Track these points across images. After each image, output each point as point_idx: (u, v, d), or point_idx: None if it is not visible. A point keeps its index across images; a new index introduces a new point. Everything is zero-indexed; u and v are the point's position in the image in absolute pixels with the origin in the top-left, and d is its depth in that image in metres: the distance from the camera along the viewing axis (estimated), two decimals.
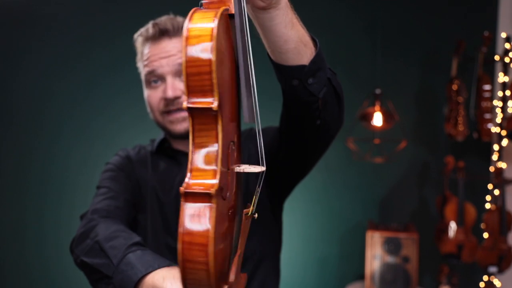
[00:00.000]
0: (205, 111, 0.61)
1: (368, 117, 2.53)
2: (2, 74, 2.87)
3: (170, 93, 1.15)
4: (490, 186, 2.62)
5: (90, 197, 1.22)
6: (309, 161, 1.10)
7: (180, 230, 0.62)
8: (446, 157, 2.62)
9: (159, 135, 1.32)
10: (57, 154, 2.87)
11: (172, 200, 1.21)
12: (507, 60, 2.58)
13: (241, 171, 0.71)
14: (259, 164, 0.73)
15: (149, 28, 1.21)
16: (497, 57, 2.63)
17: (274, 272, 1.29)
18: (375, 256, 2.60)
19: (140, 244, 0.92)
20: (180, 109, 1.17)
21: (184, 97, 0.65)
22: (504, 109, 2.59)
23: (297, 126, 0.97)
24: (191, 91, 0.62)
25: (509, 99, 2.58)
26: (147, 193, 1.24)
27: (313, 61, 0.83)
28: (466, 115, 2.61)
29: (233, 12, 0.67)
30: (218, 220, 0.61)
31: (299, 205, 2.85)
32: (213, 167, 0.63)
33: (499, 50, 2.74)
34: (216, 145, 0.62)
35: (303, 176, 1.18)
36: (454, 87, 2.59)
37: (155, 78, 1.19)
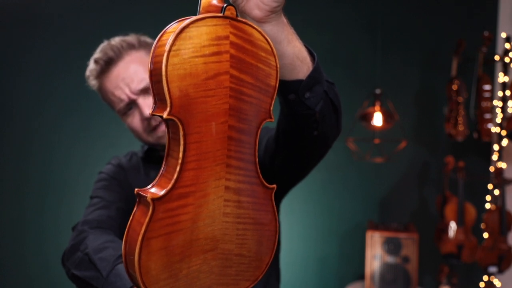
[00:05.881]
0: (167, 120, 0.63)
1: (368, 117, 2.53)
2: (2, 74, 2.87)
3: (146, 112, 1.18)
4: (490, 186, 2.62)
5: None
6: (306, 167, 1.10)
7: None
8: (446, 157, 2.62)
9: None
10: (57, 155, 2.87)
11: None
12: (507, 60, 2.58)
13: None
14: None
15: (95, 65, 1.23)
16: (497, 57, 2.63)
17: (275, 272, 1.30)
18: (375, 256, 2.60)
19: None
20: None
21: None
22: (504, 109, 2.58)
23: (294, 137, 0.96)
24: (154, 100, 0.65)
25: (509, 99, 2.58)
26: None
27: (310, 76, 0.82)
28: (466, 115, 2.61)
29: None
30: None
31: (299, 205, 2.85)
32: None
33: (499, 50, 2.74)
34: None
35: (301, 179, 1.18)
36: (454, 87, 2.59)
37: (127, 107, 1.23)
